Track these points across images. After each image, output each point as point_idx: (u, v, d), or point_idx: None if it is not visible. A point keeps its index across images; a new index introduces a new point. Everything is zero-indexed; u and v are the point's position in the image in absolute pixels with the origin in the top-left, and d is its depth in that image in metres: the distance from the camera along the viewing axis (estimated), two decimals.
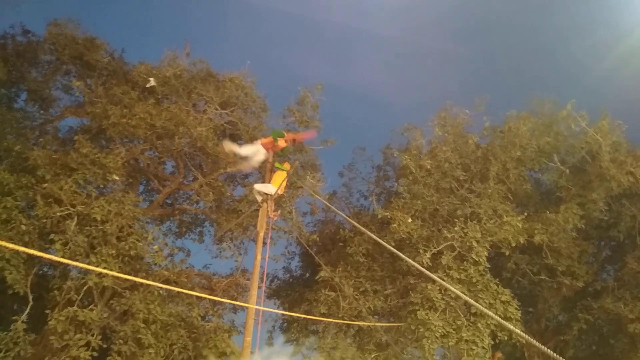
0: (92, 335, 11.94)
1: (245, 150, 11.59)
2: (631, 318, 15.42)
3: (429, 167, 16.15)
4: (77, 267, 12.54)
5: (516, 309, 14.76)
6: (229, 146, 12.38)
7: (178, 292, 12.67)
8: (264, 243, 10.94)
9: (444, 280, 14.00)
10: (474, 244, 14.80)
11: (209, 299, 14.49)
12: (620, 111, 16.56)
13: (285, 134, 12.00)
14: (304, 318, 16.23)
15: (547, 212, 15.90)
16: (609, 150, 15.80)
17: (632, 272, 16.60)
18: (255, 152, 11.54)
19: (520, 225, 14.95)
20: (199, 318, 14.12)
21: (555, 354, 5.09)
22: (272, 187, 11.08)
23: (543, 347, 4.59)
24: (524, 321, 15.53)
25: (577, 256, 16.61)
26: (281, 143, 11.60)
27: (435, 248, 15.11)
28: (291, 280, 19.68)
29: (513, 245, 15.20)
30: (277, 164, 11.69)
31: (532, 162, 17.04)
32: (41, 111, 16.46)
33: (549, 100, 17.31)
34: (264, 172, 13.35)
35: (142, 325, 12.30)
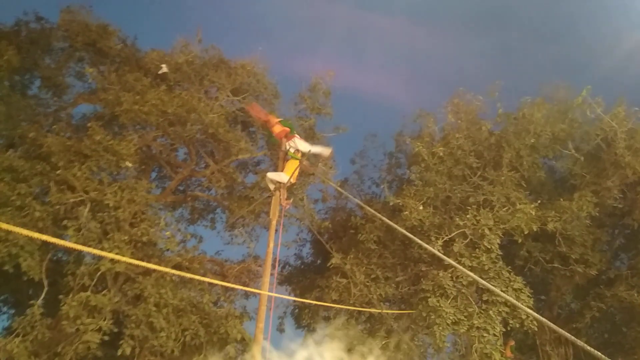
0: (104, 319, 12.08)
1: (282, 176, 11.38)
2: None
3: (441, 154, 16.04)
4: (90, 252, 12.65)
5: (528, 296, 14.68)
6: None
7: (190, 277, 12.76)
8: (276, 230, 10.98)
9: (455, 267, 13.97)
10: (486, 231, 14.72)
11: (221, 285, 14.60)
12: (635, 99, 16.30)
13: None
14: (315, 305, 16.30)
15: (561, 199, 15.74)
16: (625, 138, 15.58)
17: None
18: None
19: (533, 213, 14.83)
20: (211, 304, 14.24)
21: (569, 335, 5.08)
22: (284, 175, 11.07)
23: (558, 328, 4.57)
24: (536, 309, 15.46)
25: (590, 244, 16.45)
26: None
27: (447, 235, 15.05)
28: (302, 267, 19.77)
29: (526, 232, 15.09)
30: (290, 153, 11.67)
31: (546, 149, 16.85)
32: (55, 98, 16.56)
33: (564, 86, 17.07)
34: (275, 160, 13.37)
35: (154, 308, 12.43)
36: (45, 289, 12.62)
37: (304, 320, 17.86)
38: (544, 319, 5.07)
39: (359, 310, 15.74)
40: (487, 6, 33.11)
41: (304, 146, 11.54)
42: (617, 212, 17.03)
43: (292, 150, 11.30)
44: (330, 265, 16.00)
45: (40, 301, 12.45)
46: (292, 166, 11.28)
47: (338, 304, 15.35)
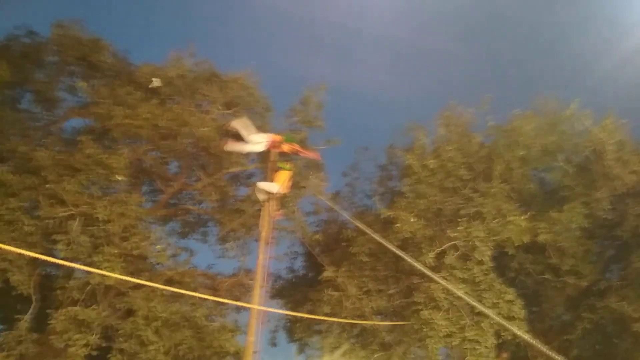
0: (93, 334, 11.98)
1: (250, 135, 11.46)
2: (635, 317, 15.30)
3: (432, 166, 16.10)
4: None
5: (520, 308, 14.69)
6: (233, 146, 12.28)
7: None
8: (267, 243, 10.98)
9: (447, 279, 13.98)
10: (478, 243, 14.75)
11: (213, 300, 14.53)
12: (625, 109, 16.47)
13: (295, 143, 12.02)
14: (308, 318, 16.24)
15: (551, 211, 15.80)
16: (614, 149, 15.70)
17: (636, 272, 16.45)
18: (258, 140, 11.50)
19: (524, 225, 14.88)
20: (203, 318, 14.16)
21: (555, 354, 5.10)
22: (275, 186, 11.12)
23: (543, 347, 4.60)
24: (528, 320, 15.44)
25: (581, 255, 16.50)
26: (285, 147, 11.64)
27: (438, 248, 15.06)
28: (294, 280, 19.69)
29: (517, 244, 15.13)
30: (280, 164, 11.72)
31: (537, 161, 16.96)
32: (45, 112, 16.51)
33: (553, 98, 17.20)
34: (266, 172, 13.40)
35: (143, 322, 12.35)
36: (34, 303, 12.52)
37: (297, 334, 17.79)
38: (527, 336, 5.09)
39: (351, 323, 15.69)
40: (475, 18, 33.48)
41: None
42: (608, 223, 17.10)
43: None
44: (323, 278, 15.96)
45: (28, 316, 12.34)
46: (282, 177, 11.33)
47: (330, 317, 15.30)
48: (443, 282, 6.57)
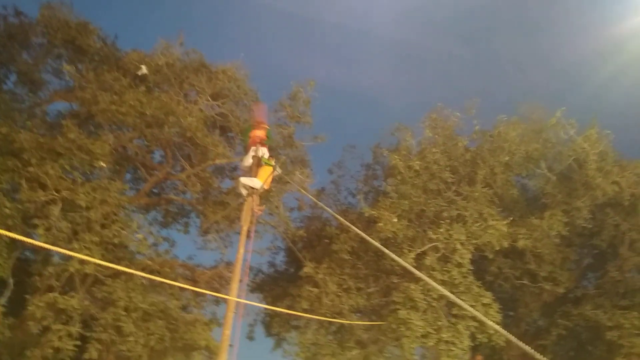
0: (75, 325, 11.87)
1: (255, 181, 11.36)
2: (609, 326, 15.59)
3: (417, 168, 16.19)
4: (59, 252, 12.44)
5: (497, 312, 14.85)
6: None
7: (161, 282, 12.62)
8: (248, 237, 10.93)
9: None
10: (458, 246, 14.89)
11: (191, 290, 14.47)
12: (616, 119, 16.67)
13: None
14: (286, 313, 16.25)
15: (532, 217, 16.01)
16: (596, 159, 15.93)
17: (612, 281, 16.78)
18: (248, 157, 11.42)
19: (504, 230, 15.04)
20: (179, 309, 14.10)
21: (535, 353, 5.14)
22: (257, 181, 11.05)
23: (524, 345, 4.65)
24: (504, 325, 15.60)
25: (559, 262, 16.74)
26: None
27: (419, 249, 15.18)
28: (275, 274, 19.68)
29: (497, 249, 15.30)
30: (264, 159, 11.65)
31: (520, 168, 17.14)
32: (30, 94, 16.31)
33: (539, 106, 17.41)
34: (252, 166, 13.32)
35: (123, 313, 12.26)
36: (11, 287, 12.35)
37: (274, 328, 17.79)
38: (508, 334, 5.15)
39: (329, 321, 15.73)
40: (469, 24, 33.64)
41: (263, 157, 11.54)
42: (587, 232, 17.37)
43: (265, 157, 11.30)
44: (303, 274, 15.98)
45: (4, 300, 12.17)
46: (265, 172, 11.26)
47: (309, 313, 15.32)
48: (425, 277, 6.58)
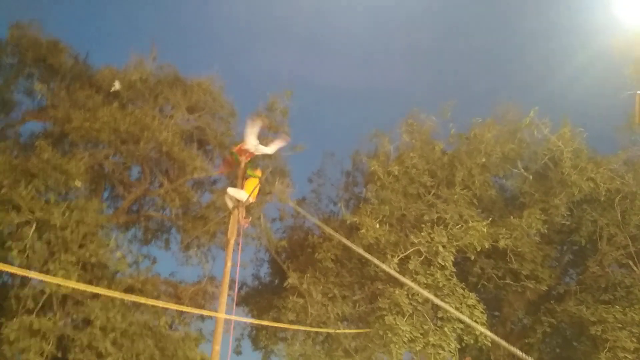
0: (49, 343, 11.57)
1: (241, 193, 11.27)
2: (593, 321, 15.73)
3: (396, 173, 16.28)
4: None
5: (482, 312, 14.93)
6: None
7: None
8: (234, 250, 10.81)
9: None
10: (441, 248, 14.96)
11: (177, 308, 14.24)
12: (583, 115, 16.95)
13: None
14: (273, 326, 16.09)
15: (511, 217, 16.16)
16: (571, 157, 16.16)
17: (593, 276, 16.98)
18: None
19: (485, 230, 15.15)
20: (167, 327, 13.86)
21: (522, 353, 5.16)
22: (244, 193, 10.97)
23: (509, 345, 4.66)
24: (489, 325, 15.70)
25: (540, 260, 16.89)
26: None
27: (402, 253, 15.20)
28: (260, 287, 19.53)
29: (478, 249, 15.38)
30: (249, 171, 11.59)
31: (497, 169, 17.34)
32: (2, 115, 16.01)
33: (513, 107, 17.64)
34: (232, 179, 13.23)
35: (99, 333, 12.00)
36: None
37: (262, 341, 17.61)
38: (494, 336, 5.16)
39: (316, 331, 15.62)
40: (440, 23, 34.14)
41: (269, 149, 11.61)
42: (565, 229, 17.59)
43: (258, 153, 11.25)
44: (287, 284, 15.87)
45: None
46: (251, 185, 11.19)
47: (295, 324, 15.21)
48: (409, 282, 6.58)
